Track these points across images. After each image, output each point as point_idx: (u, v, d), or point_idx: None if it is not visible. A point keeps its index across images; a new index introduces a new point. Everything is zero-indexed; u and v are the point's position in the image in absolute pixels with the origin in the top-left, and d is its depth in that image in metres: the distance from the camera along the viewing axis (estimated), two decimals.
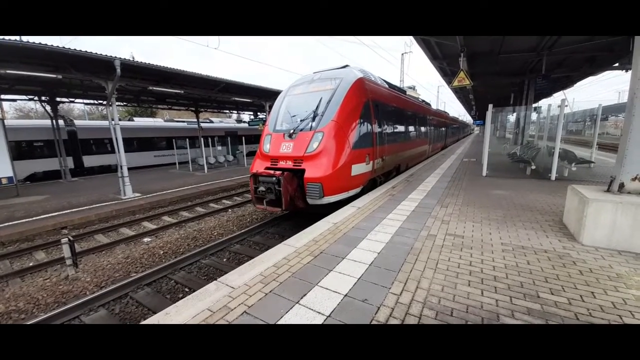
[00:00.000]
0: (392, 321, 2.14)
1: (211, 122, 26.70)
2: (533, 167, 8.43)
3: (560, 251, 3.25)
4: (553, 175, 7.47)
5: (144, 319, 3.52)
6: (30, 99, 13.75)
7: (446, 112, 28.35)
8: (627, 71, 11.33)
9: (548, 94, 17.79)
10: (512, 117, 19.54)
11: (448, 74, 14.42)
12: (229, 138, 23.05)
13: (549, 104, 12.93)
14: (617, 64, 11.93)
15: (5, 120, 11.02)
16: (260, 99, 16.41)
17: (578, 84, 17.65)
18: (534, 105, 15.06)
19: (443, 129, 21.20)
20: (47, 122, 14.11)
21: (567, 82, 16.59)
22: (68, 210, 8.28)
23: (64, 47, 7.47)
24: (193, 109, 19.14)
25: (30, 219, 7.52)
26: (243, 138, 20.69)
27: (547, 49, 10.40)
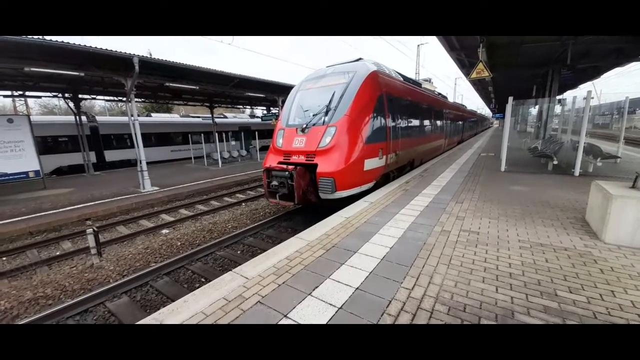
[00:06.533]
0: (404, 315, 2.15)
1: (225, 117, 27.09)
2: (555, 162, 8.10)
3: (581, 249, 3.15)
4: (577, 171, 7.17)
5: (164, 306, 3.67)
6: (54, 96, 14.37)
7: (463, 105, 27.56)
8: None
9: (573, 85, 16.95)
10: (534, 110, 18.76)
11: (466, 66, 13.94)
12: (242, 133, 23.31)
13: (574, 95, 12.31)
14: None
15: (30, 117, 11.58)
16: (273, 93, 16.49)
17: (604, 75, 16.67)
18: (557, 97, 14.36)
19: (460, 122, 20.64)
20: (71, 118, 14.73)
21: (593, 73, 15.69)
22: (92, 203, 8.67)
23: (86, 46, 7.74)
24: (208, 104, 19.49)
25: (57, 211, 7.93)
26: (256, 133, 20.89)
27: (572, 38, 9.87)
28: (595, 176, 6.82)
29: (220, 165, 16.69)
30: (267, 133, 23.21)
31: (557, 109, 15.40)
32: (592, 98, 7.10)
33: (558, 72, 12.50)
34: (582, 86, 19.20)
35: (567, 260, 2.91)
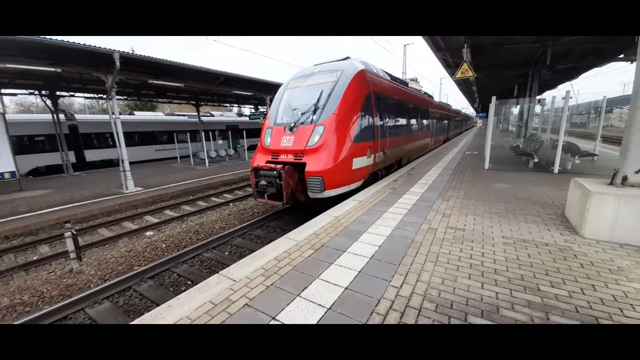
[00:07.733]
0: (392, 313, 2.16)
1: (212, 115, 26.60)
2: (536, 160, 8.36)
3: (562, 244, 3.25)
4: (556, 168, 7.42)
5: (147, 311, 3.57)
6: (30, 93, 13.70)
7: (449, 105, 28.10)
8: (632, 62, 11.14)
9: (552, 85, 17.52)
10: (515, 110, 19.33)
11: (451, 66, 14.20)
12: (229, 132, 22.97)
13: (554, 95, 12.76)
14: (622, 55, 11.72)
15: (6, 115, 11.01)
16: (261, 92, 16.30)
17: (582, 75, 17.37)
18: (537, 97, 14.85)
19: (445, 121, 21.04)
20: (48, 116, 14.10)
21: (572, 73, 16.32)
22: (71, 205, 8.34)
23: (62, 41, 7.41)
24: (193, 102, 19.07)
25: (34, 213, 7.58)
26: (244, 132, 20.63)
27: (551, 39, 10.22)
28: (574, 173, 7.09)
29: (207, 165, 16.39)
30: (255, 132, 22.94)
31: (537, 108, 15.91)
32: (571, 98, 7.37)
33: (538, 73, 12.90)
34: (561, 86, 19.92)
35: (549, 255, 3.00)
